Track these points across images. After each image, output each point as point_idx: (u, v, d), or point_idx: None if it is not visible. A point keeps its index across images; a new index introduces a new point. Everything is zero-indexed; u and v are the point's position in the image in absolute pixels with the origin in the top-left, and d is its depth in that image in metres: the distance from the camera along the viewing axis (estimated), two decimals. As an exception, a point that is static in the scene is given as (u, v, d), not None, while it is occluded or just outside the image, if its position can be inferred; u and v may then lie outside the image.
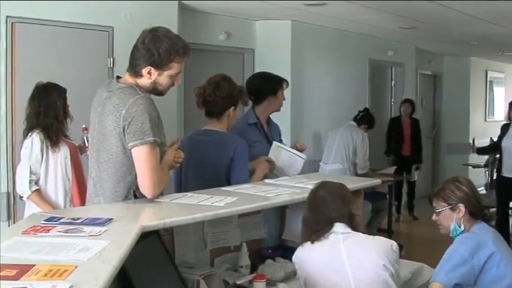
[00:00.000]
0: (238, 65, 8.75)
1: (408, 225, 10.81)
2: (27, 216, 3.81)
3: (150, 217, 3.04)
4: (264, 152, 4.68)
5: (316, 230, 3.15)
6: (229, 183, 4.05)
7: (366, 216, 7.66)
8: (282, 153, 4.72)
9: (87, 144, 4.60)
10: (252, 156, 4.52)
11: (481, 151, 9.21)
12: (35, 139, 4.78)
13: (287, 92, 5.07)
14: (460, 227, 3.60)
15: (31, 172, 4.76)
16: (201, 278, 3.07)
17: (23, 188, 4.78)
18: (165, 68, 3.30)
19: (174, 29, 3.52)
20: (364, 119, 8.74)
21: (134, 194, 3.30)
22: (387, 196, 8.82)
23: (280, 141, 4.99)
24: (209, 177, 4.08)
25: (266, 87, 4.89)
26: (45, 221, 2.60)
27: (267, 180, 4.18)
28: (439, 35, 10.38)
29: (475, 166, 12.38)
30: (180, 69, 3.37)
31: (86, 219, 2.65)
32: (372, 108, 9.69)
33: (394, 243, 3.14)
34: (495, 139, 8.64)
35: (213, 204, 3.17)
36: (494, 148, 8.71)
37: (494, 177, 9.53)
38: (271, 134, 4.95)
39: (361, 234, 3.19)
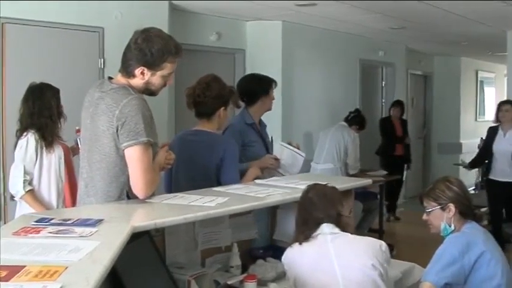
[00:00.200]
0: (229, 65, 8.76)
1: (399, 225, 10.83)
2: (18, 217, 3.80)
3: (141, 217, 3.04)
4: (261, 151, 4.80)
5: (304, 230, 3.18)
6: (219, 184, 4.04)
7: (356, 216, 7.68)
8: (284, 151, 4.84)
9: (80, 146, 4.60)
10: (250, 156, 4.65)
11: (474, 164, 9.06)
12: (30, 139, 4.78)
13: (278, 92, 5.19)
14: (450, 226, 3.61)
15: (25, 172, 4.76)
16: (192, 278, 3.07)
17: (17, 188, 4.76)
18: (157, 68, 3.30)
19: (165, 30, 3.51)
20: (355, 120, 8.75)
21: (127, 194, 3.30)
22: (378, 196, 8.84)
23: (271, 140, 5.10)
24: (199, 177, 4.07)
25: (258, 87, 4.95)
26: (35, 222, 2.60)
27: (257, 181, 4.19)
28: (429, 35, 10.42)
29: (466, 166, 12.40)
30: (172, 69, 3.37)
31: (77, 220, 2.64)
32: (362, 108, 9.72)
33: (383, 243, 3.16)
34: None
35: (204, 204, 3.17)
36: (484, 156, 8.39)
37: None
38: (263, 133, 5.03)
39: (349, 234, 3.21)
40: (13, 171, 4.83)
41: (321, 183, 3.40)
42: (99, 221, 2.62)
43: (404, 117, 11.13)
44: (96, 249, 2.19)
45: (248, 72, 8.42)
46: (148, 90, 3.38)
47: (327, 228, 3.14)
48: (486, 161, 8.24)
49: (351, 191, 4.17)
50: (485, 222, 7.58)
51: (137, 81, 3.31)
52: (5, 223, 5.57)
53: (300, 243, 3.16)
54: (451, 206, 3.58)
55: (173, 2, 7.26)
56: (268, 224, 4.15)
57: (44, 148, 4.82)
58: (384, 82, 11.96)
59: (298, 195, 3.36)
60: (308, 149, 8.91)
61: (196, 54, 7.86)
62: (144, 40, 3.26)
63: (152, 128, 3.27)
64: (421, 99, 14.15)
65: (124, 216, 3.03)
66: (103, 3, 6.47)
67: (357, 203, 7.10)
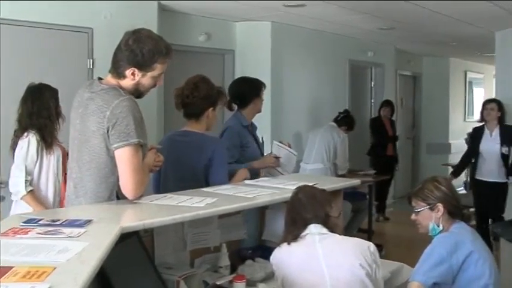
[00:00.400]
0: (218, 66, 8.75)
1: (388, 225, 10.86)
2: (7, 217, 3.79)
3: (130, 218, 3.04)
4: (256, 153, 5.00)
5: (293, 230, 3.20)
6: (208, 184, 4.04)
7: (346, 216, 7.69)
8: (281, 151, 5.02)
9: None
10: (248, 157, 4.83)
11: (457, 172, 8.50)
12: (32, 140, 4.81)
13: (267, 93, 5.32)
14: (438, 226, 3.62)
15: (26, 172, 4.78)
16: (181, 279, 3.08)
17: (18, 188, 4.78)
18: (148, 69, 3.31)
19: (154, 30, 3.52)
20: (345, 121, 8.77)
21: (117, 195, 3.30)
22: (367, 196, 8.86)
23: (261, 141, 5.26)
24: (187, 178, 4.08)
25: (250, 90, 5.11)
26: (24, 222, 2.59)
27: (247, 181, 4.21)
28: (418, 35, 10.44)
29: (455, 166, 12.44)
30: (162, 70, 3.37)
31: (65, 220, 2.64)
32: (351, 109, 9.75)
33: (372, 244, 3.17)
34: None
35: (193, 205, 3.18)
36: (468, 159, 8.28)
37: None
38: (255, 135, 5.18)
39: (337, 235, 3.23)
40: (14, 171, 4.84)
41: (310, 184, 3.42)
42: (88, 221, 2.62)
43: (393, 117, 11.17)
44: (84, 249, 2.19)
45: (237, 72, 8.49)
46: (137, 91, 3.38)
47: (314, 229, 3.15)
48: (473, 160, 8.16)
49: (339, 191, 4.19)
50: (474, 222, 7.55)
51: (127, 82, 3.31)
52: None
53: (289, 243, 3.17)
54: (440, 206, 3.60)
55: (162, 2, 7.25)
56: (257, 225, 4.17)
57: (45, 150, 4.85)
58: (373, 82, 11.97)
59: (287, 195, 3.37)
60: (297, 150, 8.82)
61: (186, 55, 7.85)
62: (135, 41, 3.26)
63: (142, 129, 3.27)
64: (410, 99, 14.17)
65: (113, 216, 3.03)
66: (92, 3, 6.45)
67: (346, 204, 7.12)
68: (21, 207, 4.75)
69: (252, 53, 8.77)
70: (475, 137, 8.13)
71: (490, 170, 7.83)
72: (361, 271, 3.02)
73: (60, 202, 4.95)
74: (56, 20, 6.19)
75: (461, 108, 15.22)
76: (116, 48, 3.33)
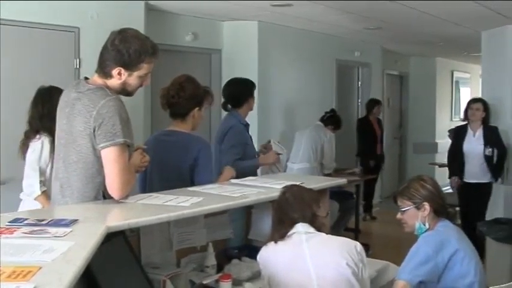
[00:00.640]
0: (205, 65, 8.74)
1: (375, 225, 10.89)
2: None
3: (116, 218, 3.04)
4: (254, 150, 5.33)
5: (280, 229, 3.21)
6: (193, 184, 4.04)
7: (333, 216, 7.71)
8: (278, 149, 5.42)
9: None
10: (249, 154, 5.09)
11: (454, 171, 8.10)
12: (45, 141, 4.83)
13: (255, 92, 5.35)
14: (424, 225, 3.64)
15: (40, 173, 4.81)
16: (167, 278, 3.08)
17: (33, 188, 4.80)
18: (135, 69, 3.31)
19: (141, 30, 3.54)
20: (331, 120, 8.79)
21: (103, 195, 3.30)
22: (354, 196, 8.88)
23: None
24: (173, 177, 4.08)
25: (245, 90, 5.35)
26: (9, 222, 2.59)
27: (233, 180, 4.21)
28: (405, 35, 10.47)
29: (441, 165, 12.43)
30: (149, 69, 3.38)
31: (51, 220, 2.64)
32: (338, 109, 9.76)
33: (358, 244, 3.19)
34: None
35: (179, 204, 3.18)
36: (456, 157, 7.97)
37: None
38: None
39: (324, 234, 3.24)
40: (28, 172, 4.85)
41: (298, 184, 3.44)
42: (74, 221, 2.62)
43: (380, 116, 11.19)
44: (70, 249, 2.19)
45: (224, 72, 8.51)
46: (124, 91, 3.38)
47: (301, 228, 3.17)
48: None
49: (326, 190, 4.20)
50: (459, 221, 7.54)
51: (114, 81, 3.31)
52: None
53: (276, 242, 3.19)
54: (426, 205, 3.62)
55: (149, 2, 7.23)
56: (243, 224, 4.18)
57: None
58: (360, 82, 11.99)
59: (273, 194, 3.39)
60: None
61: (173, 55, 7.84)
62: (121, 41, 3.26)
63: (129, 129, 3.27)
64: (397, 99, 14.21)
65: (98, 216, 3.03)
66: (79, 3, 6.42)
67: (333, 203, 7.16)
68: (29, 206, 4.78)
69: (239, 53, 8.77)
70: (457, 137, 8.02)
71: (473, 172, 7.74)
72: (348, 270, 3.04)
73: None
74: (43, 20, 6.16)
75: (448, 108, 15.28)
76: (102, 48, 3.33)
